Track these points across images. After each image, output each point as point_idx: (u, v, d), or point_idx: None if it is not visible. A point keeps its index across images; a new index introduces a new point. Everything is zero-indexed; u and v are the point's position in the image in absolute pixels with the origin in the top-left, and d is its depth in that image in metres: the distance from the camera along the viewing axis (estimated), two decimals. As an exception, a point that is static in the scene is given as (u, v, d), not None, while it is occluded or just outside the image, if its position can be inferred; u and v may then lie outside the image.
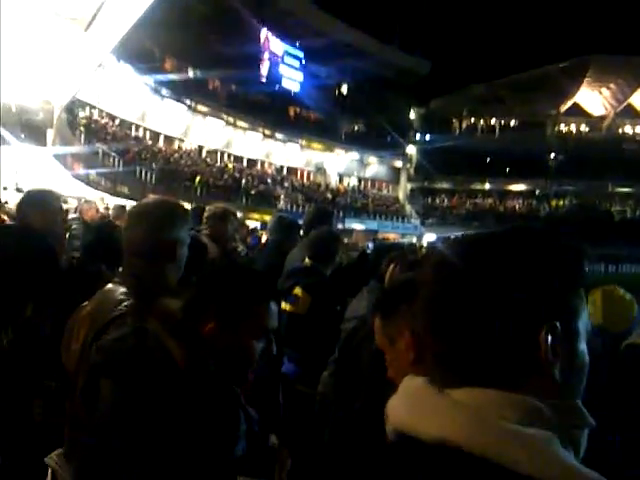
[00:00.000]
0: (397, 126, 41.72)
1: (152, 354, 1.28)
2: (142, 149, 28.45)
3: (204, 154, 34.96)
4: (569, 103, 46.62)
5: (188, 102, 32.68)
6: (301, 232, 4.13)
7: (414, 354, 1.42)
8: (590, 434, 0.67)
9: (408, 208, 44.52)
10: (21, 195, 3.01)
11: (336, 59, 37.50)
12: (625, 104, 45.79)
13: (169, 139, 33.04)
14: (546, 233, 0.71)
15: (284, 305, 3.12)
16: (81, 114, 25.39)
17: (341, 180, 43.77)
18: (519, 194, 45.32)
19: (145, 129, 31.60)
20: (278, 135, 38.75)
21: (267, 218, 14.83)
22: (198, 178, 28.92)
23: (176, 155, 31.56)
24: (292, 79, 39.63)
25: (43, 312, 1.81)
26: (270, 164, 39.46)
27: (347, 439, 1.85)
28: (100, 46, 11.83)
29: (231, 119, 35.71)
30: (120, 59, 25.01)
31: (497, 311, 0.65)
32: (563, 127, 47.58)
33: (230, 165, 35.34)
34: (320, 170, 42.27)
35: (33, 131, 14.77)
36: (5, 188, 11.82)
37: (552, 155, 42.55)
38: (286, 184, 37.57)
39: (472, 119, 48.31)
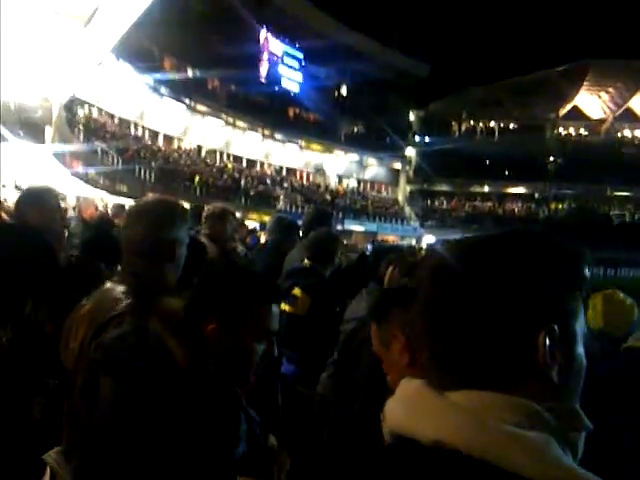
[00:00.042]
0: (396, 128, 41.78)
1: (153, 353, 1.27)
2: (141, 148, 28.43)
3: (203, 154, 34.95)
4: (568, 107, 46.73)
5: (187, 101, 32.67)
6: (300, 233, 4.13)
7: (408, 356, 1.42)
8: (589, 437, 0.67)
9: (407, 210, 44.55)
10: (19, 193, 3.01)
11: (336, 61, 37.54)
12: (624, 108, 45.91)
13: (168, 138, 33.02)
14: (544, 236, 0.71)
15: (283, 306, 3.12)
16: (80, 112, 25.38)
17: (340, 181, 43.79)
18: (518, 197, 45.40)
19: (144, 128, 31.59)
20: (277, 136, 38.76)
21: (266, 218, 14.83)
22: (197, 178, 28.91)
23: (175, 154, 31.55)
24: (291, 80, 39.66)
25: (42, 310, 1.80)
26: (269, 165, 39.46)
27: (346, 440, 1.85)
28: (99, 44, 11.83)
29: (230, 119, 35.71)
30: (119, 58, 24.99)
31: (495, 314, 0.65)
32: (562, 130, 47.67)
33: (229, 165, 35.34)
34: (319, 171, 42.29)
35: (32, 129, 14.75)
36: (4, 186, 11.79)
37: (551, 158, 42.62)
38: (285, 185, 37.57)
39: (471, 122, 48.37)
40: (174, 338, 1.28)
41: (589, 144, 44.94)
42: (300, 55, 39.85)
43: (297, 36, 37.91)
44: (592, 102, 46.81)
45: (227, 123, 35.69)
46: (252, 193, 32.51)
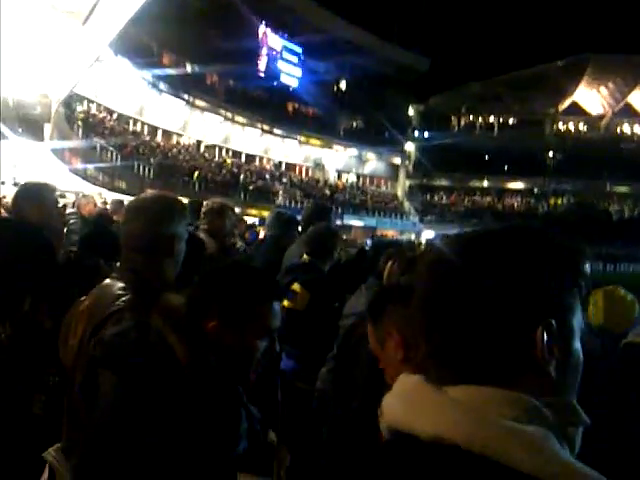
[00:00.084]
0: (396, 123, 41.73)
1: (153, 349, 1.27)
2: (140, 144, 28.39)
3: (202, 149, 34.92)
4: (567, 102, 46.69)
5: (186, 97, 32.62)
6: (299, 228, 4.13)
7: (402, 353, 1.43)
8: (588, 432, 0.67)
9: (407, 205, 44.57)
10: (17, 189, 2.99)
11: (335, 55, 37.46)
12: (623, 103, 45.87)
13: (167, 134, 32.99)
14: (543, 231, 0.71)
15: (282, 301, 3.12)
16: (79, 108, 25.31)
17: (340, 176, 43.78)
18: (517, 192, 45.42)
19: (143, 124, 31.56)
20: (276, 131, 38.72)
21: (265, 214, 14.81)
22: (196, 173, 28.89)
23: (174, 150, 31.52)
24: (290, 75, 39.58)
25: (41, 306, 1.80)
26: (268, 160, 39.43)
27: (345, 436, 1.85)
28: (98, 40, 11.76)
29: (229, 114, 35.66)
30: (118, 53, 24.92)
31: (493, 309, 0.65)
32: (561, 126, 47.65)
33: (228, 160, 35.30)
34: (318, 166, 42.25)
35: (30, 125, 14.69)
36: (3, 183, 11.76)
37: (550, 154, 42.63)
38: (284, 180, 37.55)
39: (471, 117, 48.34)
40: (175, 334, 1.27)
41: (588, 139, 44.92)
42: (299, 50, 39.76)
43: (296, 31, 37.81)
44: (591, 97, 46.75)
45: (226, 118, 35.64)
46: (251, 188, 32.49)
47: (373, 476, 0.66)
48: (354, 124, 44.60)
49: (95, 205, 7.16)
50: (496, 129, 47.23)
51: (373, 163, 45.52)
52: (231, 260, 2.90)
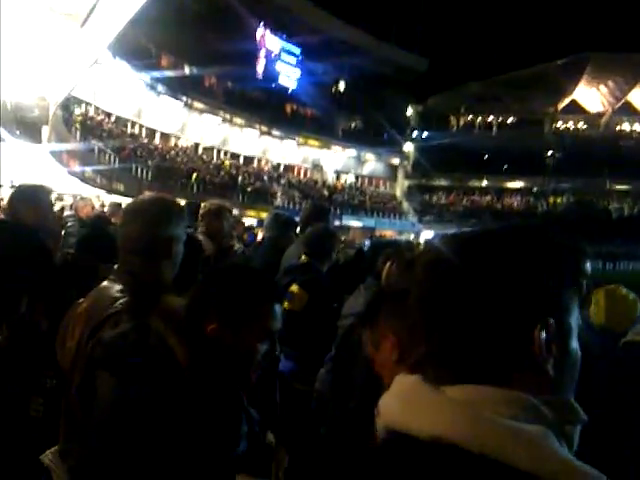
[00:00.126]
0: (394, 123, 41.77)
1: (154, 351, 1.26)
2: (138, 146, 28.39)
3: (200, 151, 34.92)
4: (567, 100, 46.72)
5: (184, 99, 32.63)
6: (298, 229, 4.13)
7: (397, 354, 1.43)
8: (588, 432, 0.67)
9: (405, 205, 44.58)
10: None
11: (333, 56, 37.50)
12: (623, 101, 45.89)
13: (165, 136, 32.98)
14: (541, 230, 0.71)
15: (280, 302, 3.11)
16: (77, 111, 25.30)
17: (338, 177, 43.79)
18: (517, 191, 45.43)
19: (141, 126, 31.55)
20: (275, 132, 38.73)
21: (264, 215, 14.82)
22: (194, 175, 28.89)
23: (172, 152, 31.51)
24: (289, 76, 39.61)
25: (38, 308, 1.80)
26: (267, 161, 39.43)
27: (344, 437, 1.84)
28: (96, 42, 11.77)
29: (227, 116, 35.69)
30: (116, 56, 24.93)
31: (491, 307, 0.65)
32: (561, 124, 47.67)
33: (227, 162, 35.30)
34: (317, 167, 42.27)
35: (28, 128, 14.70)
36: (0, 185, 11.78)
37: (550, 152, 42.64)
38: (283, 181, 37.56)
39: (470, 116, 48.38)
40: (175, 337, 1.27)
41: (588, 138, 44.92)
42: (297, 51, 39.79)
43: (294, 32, 37.84)
44: (591, 96, 46.78)
45: (224, 120, 35.66)
46: (249, 190, 32.49)
47: (371, 476, 0.66)
48: (353, 125, 44.63)
49: (93, 207, 7.17)
50: (495, 128, 47.26)
51: (372, 164, 45.54)
52: (231, 262, 2.90)
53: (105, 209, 8.10)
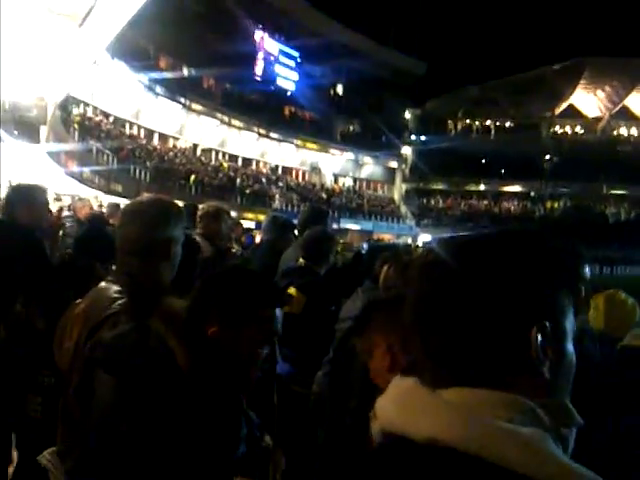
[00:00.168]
0: (392, 127, 41.81)
1: (154, 352, 1.26)
2: (136, 147, 28.37)
3: (199, 153, 34.90)
4: (564, 105, 46.84)
5: (183, 100, 32.61)
6: (295, 232, 4.13)
7: (389, 359, 1.43)
8: (586, 436, 0.67)
9: (403, 209, 44.61)
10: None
11: (331, 59, 37.56)
12: (620, 106, 46.03)
13: (163, 137, 32.97)
14: (537, 234, 0.71)
15: (278, 305, 3.11)
16: (75, 111, 25.27)
17: (336, 180, 43.80)
18: (514, 196, 45.51)
19: (139, 127, 31.54)
20: (273, 134, 38.74)
21: (262, 218, 14.80)
22: (193, 177, 28.87)
23: (171, 153, 31.49)
24: (287, 79, 39.65)
25: (35, 308, 1.79)
26: (265, 163, 39.43)
27: (341, 439, 1.84)
28: (94, 43, 11.78)
29: (226, 118, 35.67)
30: (114, 57, 24.92)
31: (487, 311, 0.65)
32: (558, 129, 47.79)
33: (225, 164, 35.29)
34: (315, 170, 42.28)
35: (26, 128, 14.68)
36: (-2, 185, 11.74)
37: (547, 157, 42.70)
38: (281, 184, 37.55)
39: (467, 120, 48.47)
40: (176, 339, 1.27)
41: (585, 142, 45.05)
42: (295, 54, 39.84)
43: (292, 35, 37.88)
44: (588, 100, 46.91)
45: (222, 122, 35.65)
46: (247, 192, 32.48)
47: (368, 479, 0.66)
48: (351, 128, 44.66)
49: (91, 208, 7.16)
50: (493, 133, 47.35)
51: (370, 167, 45.57)
52: (231, 265, 2.90)
53: (103, 210, 8.09)
